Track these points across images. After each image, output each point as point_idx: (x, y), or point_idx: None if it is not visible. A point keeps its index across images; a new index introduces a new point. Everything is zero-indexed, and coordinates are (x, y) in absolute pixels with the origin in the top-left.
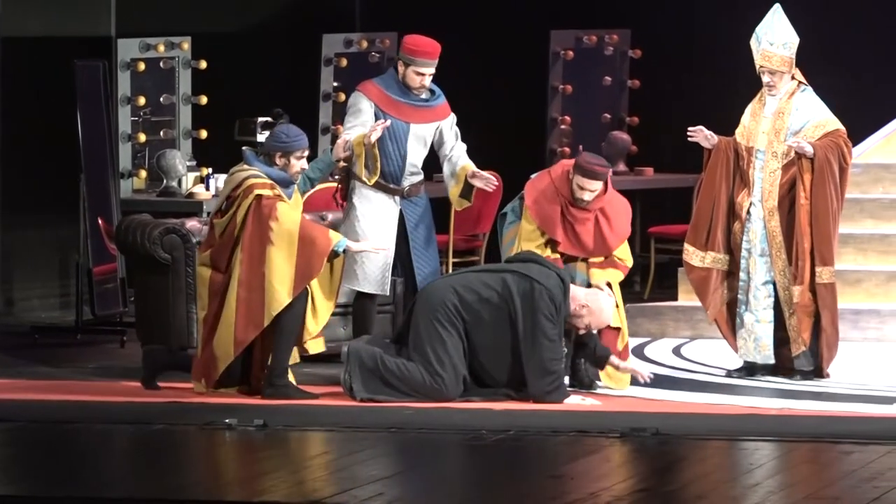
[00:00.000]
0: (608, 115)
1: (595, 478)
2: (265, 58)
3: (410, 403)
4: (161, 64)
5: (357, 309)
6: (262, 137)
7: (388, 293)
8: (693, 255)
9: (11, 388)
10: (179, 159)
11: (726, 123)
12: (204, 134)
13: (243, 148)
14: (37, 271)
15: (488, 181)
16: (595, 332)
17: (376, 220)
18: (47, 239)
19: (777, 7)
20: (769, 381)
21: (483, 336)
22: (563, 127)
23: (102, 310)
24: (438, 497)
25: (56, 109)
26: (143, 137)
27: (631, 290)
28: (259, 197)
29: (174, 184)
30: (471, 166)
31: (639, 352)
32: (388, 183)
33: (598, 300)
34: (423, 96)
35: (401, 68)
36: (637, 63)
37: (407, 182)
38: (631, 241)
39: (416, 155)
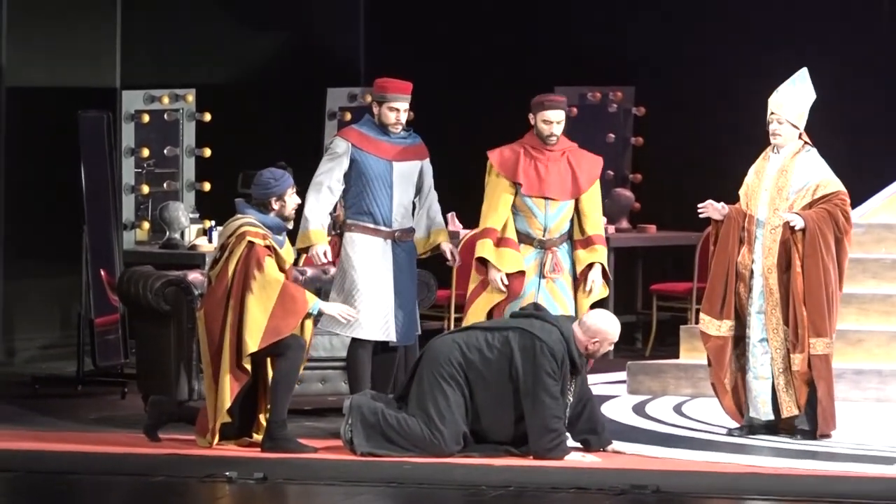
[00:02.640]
0: (611, 172)
1: None
2: (269, 111)
3: (410, 458)
4: (165, 116)
5: (350, 357)
6: None
7: (394, 338)
8: (709, 325)
9: (11, 437)
10: (182, 211)
11: (729, 182)
12: (207, 186)
13: (236, 199)
14: (38, 322)
15: (452, 260)
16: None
17: (370, 266)
18: (49, 289)
19: (804, 69)
20: (770, 440)
21: (485, 394)
22: None
23: (104, 361)
24: None
25: (59, 160)
26: (146, 189)
27: (633, 347)
28: (251, 244)
29: (177, 236)
30: (445, 235)
31: (640, 409)
32: (379, 225)
33: (596, 323)
34: (401, 135)
35: (375, 109)
36: (641, 120)
37: (397, 225)
38: (633, 297)
39: (403, 195)
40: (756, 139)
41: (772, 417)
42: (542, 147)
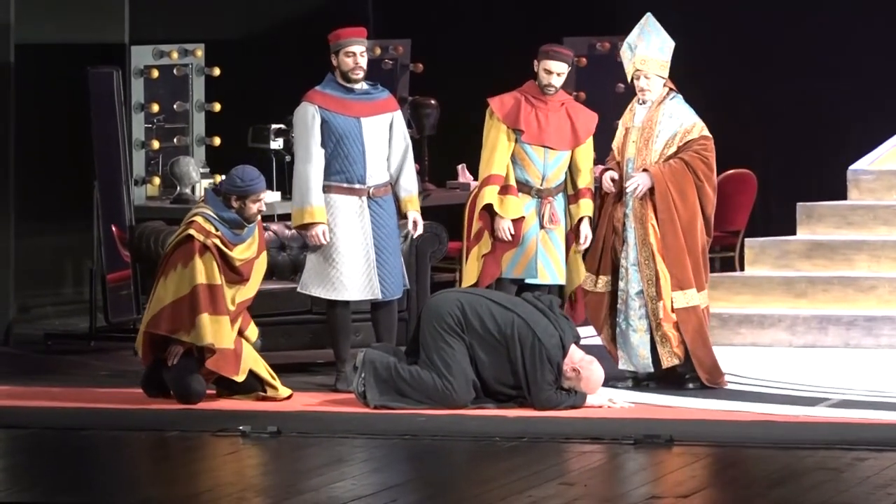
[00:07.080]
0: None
1: (609, 485)
2: (278, 65)
3: (424, 410)
4: (174, 71)
5: (328, 317)
6: (275, 144)
7: (379, 295)
8: (588, 280)
9: (25, 394)
10: (193, 166)
11: (735, 125)
12: (217, 141)
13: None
14: (51, 278)
15: (414, 229)
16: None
17: (347, 227)
18: (61, 246)
19: (648, 15)
20: (782, 387)
21: (483, 355)
22: None
23: (116, 317)
24: None
25: (69, 117)
26: (156, 144)
27: None
28: (189, 237)
29: (188, 191)
30: (415, 204)
31: None
32: (354, 184)
33: (591, 370)
34: (366, 89)
35: (334, 61)
36: None
37: (372, 181)
38: None
39: (376, 151)
40: (758, 82)
41: (651, 369)
42: (542, 96)
